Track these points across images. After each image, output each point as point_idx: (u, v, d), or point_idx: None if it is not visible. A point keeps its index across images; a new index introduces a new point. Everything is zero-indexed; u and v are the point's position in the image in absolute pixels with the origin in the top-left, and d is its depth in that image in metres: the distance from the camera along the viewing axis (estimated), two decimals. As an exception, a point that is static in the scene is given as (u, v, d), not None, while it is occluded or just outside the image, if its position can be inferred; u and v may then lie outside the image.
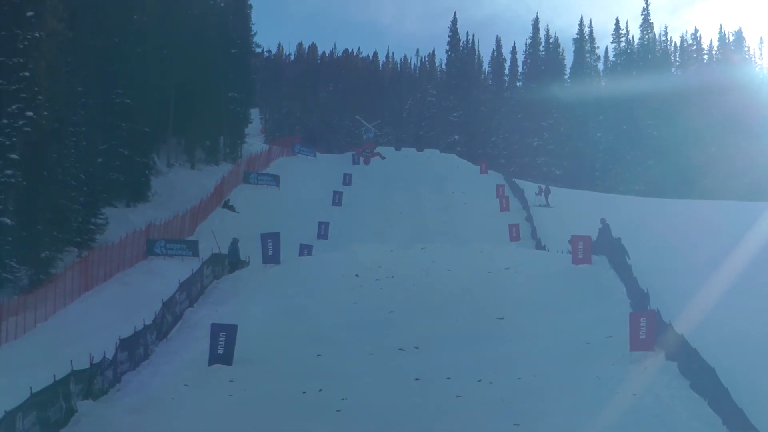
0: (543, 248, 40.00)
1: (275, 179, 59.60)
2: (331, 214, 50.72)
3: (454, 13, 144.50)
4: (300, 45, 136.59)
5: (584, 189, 71.67)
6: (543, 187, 58.20)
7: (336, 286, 28.87)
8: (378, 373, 20.80)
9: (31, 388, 16.09)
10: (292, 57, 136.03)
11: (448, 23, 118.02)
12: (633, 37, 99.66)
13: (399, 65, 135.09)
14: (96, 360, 19.58)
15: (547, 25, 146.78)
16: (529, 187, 59.78)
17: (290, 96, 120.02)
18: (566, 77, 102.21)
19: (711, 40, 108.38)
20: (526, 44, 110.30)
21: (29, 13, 35.60)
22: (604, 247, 30.80)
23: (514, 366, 20.73)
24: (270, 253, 32.25)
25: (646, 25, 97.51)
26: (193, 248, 38.31)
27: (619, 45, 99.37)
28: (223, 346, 21.50)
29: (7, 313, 27.93)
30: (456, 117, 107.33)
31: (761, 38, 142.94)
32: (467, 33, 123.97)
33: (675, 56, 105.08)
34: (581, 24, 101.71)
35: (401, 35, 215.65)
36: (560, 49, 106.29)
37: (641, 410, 17.42)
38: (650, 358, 20.36)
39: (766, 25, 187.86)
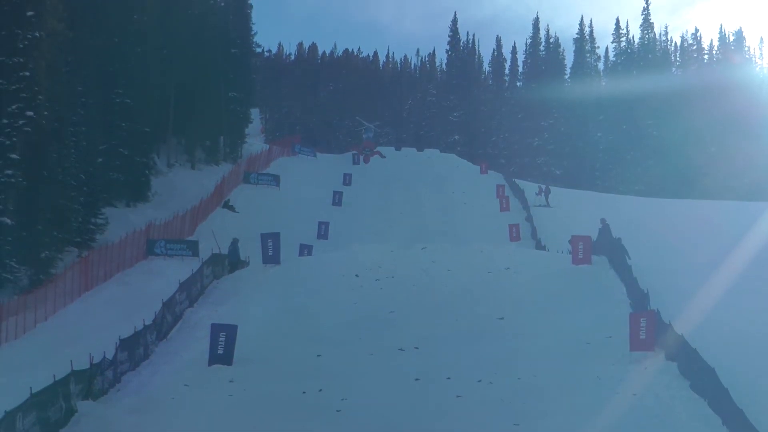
0: (543, 248, 40.00)
1: (275, 179, 59.61)
2: (331, 214, 50.72)
3: (455, 12, 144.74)
4: (300, 45, 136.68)
5: (584, 189, 71.67)
6: (543, 187, 58.19)
7: (336, 286, 28.87)
8: (378, 373, 20.80)
9: (31, 388, 16.09)
10: (293, 57, 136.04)
11: (449, 23, 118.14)
12: (633, 37, 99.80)
13: (399, 65, 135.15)
14: (96, 360, 19.58)
15: (548, 25, 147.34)
16: (529, 187, 59.78)
17: (290, 96, 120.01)
18: (566, 77, 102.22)
19: (711, 40, 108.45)
20: (526, 44, 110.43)
21: (29, 13, 35.59)
22: (604, 247, 30.79)
23: (514, 366, 20.73)
24: (270, 253, 32.25)
25: (647, 24, 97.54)
26: (193, 248, 38.30)
27: (619, 45, 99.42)
28: (223, 346, 21.51)
29: (7, 313, 27.93)
30: (456, 117, 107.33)
31: (761, 38, 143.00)
32: (467, 33, 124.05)
33: (675, 56, 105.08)
34: (581, 24, 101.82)
35: (401, 35, 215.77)
36: (560, 49, 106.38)
37: (641, 410, 17.43)
38: (650, 358, 20.36)
39: (766, 25, 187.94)
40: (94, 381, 19.18)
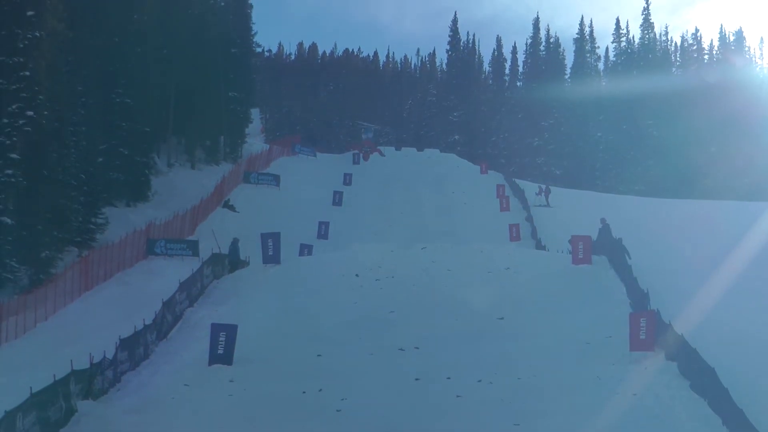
0: (543, 248, 40.00)
1: (275, 179, 59.61)
2: (331, 214, 50.73)
3: (455, 12, 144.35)
4: (300, 45, 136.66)
5: (584, 189, 71.66)
6: (543, 187, 58.19)
7: (336, 286, 28.87)
8: (378, 373, 20.80)
9: (31, 387, 16.09)
10: (293, 57, 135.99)
11: (449, 23, 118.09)
12: (633, 37, 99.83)
13: (399, 65, 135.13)
14: (96, 360, 19.58)
15: (548, 25, 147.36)
16: (529, 187, 59.78)
17: (290, 96, 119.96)
18: (567, 77, 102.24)
19: (711, 40, 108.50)
20: (526, 44, 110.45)
21: (29, 13, 35.61)
22: (605, 247, 30.79)
23: (514, 366, 20.73)
24: (270, 253, 32.25)
25: (647, 24, 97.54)
26: (193, 248, 38.30)
27: (619, 45, 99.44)
28: (223, 345, 21.50)
29: (7, 313, 27.94)
30: (456, 117, 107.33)
31: (761, 38, 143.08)
32: (468, 33, 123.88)
33: (675, 56, 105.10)
34: (582, 24, 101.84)
35: (402, 35, 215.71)
36: (561, 49, 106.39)
37: (641, 410, 17.42)
38: (650, 358, 20.36)
39: (766, 25, 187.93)
40: (94, 381, 19.19)
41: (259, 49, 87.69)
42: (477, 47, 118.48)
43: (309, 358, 22.07)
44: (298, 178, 61.70)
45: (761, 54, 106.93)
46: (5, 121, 34.50)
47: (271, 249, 32.27)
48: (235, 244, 34.08)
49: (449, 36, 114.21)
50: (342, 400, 18.88)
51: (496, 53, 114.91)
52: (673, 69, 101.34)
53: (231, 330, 21.70)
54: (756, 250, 32.94)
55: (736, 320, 23.02)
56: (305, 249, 39.88)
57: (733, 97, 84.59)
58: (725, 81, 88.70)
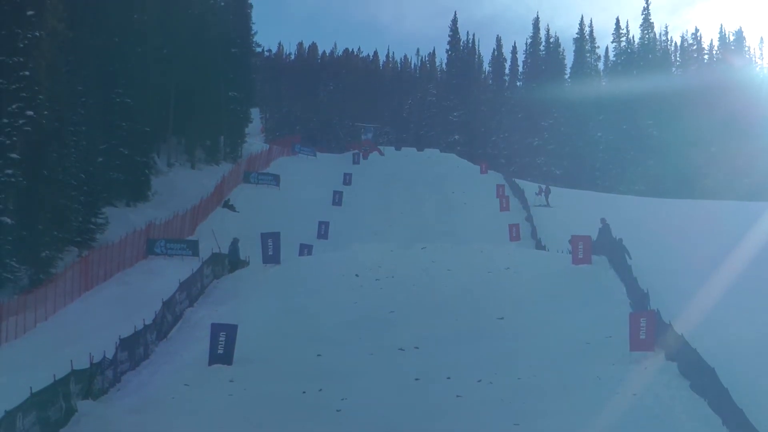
0: (543, 248, 39.99)
1: (275, 179, 59.61)
2: (331, 214, 50.72)
3: (455, 12, 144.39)
4: (300, 44, 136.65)
5: (584, 189, 71.63)
6: (543, 186, 58.18)
7: (336, 285, 28.87)
8: (378, 373, 20.80)
9: (31, 387, 16.09)
10: (293, 56, 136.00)
11: (449, 23, 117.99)
12: (633, 37, 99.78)
13: (399, 65, 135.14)
14: (96, 360, 19.58)
15: (548, 25, 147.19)
16: (529, 187, 59.78)
17: (290, 96, 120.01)
18: (566, 77, 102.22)
19: (711, 40, 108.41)
20: (526, 44, 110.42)
21: (29, 13, 35.64)
22: (604, 247, 30.79)
23: (514, 366, 20.73)
24: (270, 253, 32.24)
25: (647, 24, 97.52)
26: (193, 248, 38.31)
27: (619, 45, 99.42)
28: (223, 345, 21.50)
29: (7, 313, 27.96)
30: (456, 117, 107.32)
31: (761, 38, 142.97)
32: (467, 32, 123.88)
33: (675, 56, 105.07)
34: (582, 24, 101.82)
35: (401, 35, 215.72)
36: (560, 49, 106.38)
37: (641, 410, 17.42)
38: (650, 358, 20.36)
39: (766, 25, 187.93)
40: (94, 381, 19.19)
41: (259, 49, 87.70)
42: (477, 47, 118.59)
43: (309, 358, 22.06)
44: (298, 178, 61.70)
45: (761, 54, 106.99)
46: (5, 120, 34.51)
47: (271, 249, 32.26)
48: (235, 244, 34.08)
49: (449, 36, 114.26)
50: (342, 400, 18.88)
51: (495, 53, 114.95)
52: (673, 69, 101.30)
53: (231, 330, 21.70)
54: (756, 250, 32.91)
55: (736, 320, 23.00)
56: (305, 249, 39.88)
57: (733, 97, 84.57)
58: (725, 81, 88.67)
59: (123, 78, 49.70)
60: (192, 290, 29.11)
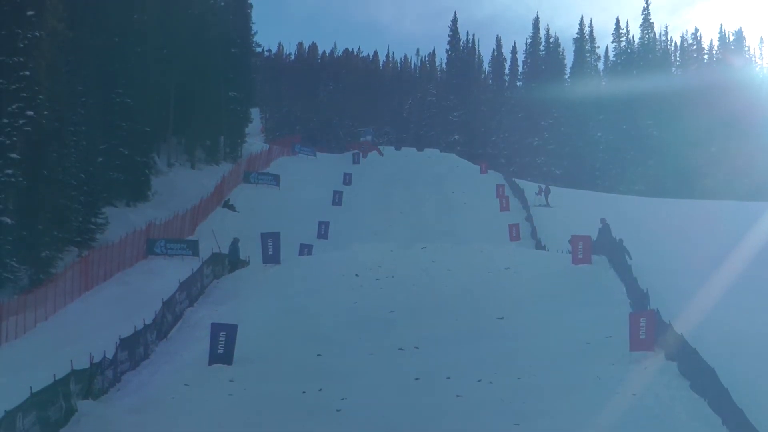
0: (543, 248, 39.99)
1: (275, 179, 59.62)
2: (331, 214, 50.73)
3: (455, 12, 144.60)
4: (300, 44, 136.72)
5: (584, 189, 71.65)
6: (543, 186, 58.19)
7: (336, 285, 28.86)
8: (378, 373, 20.79)
9: (31, 387, 16.09)
10: (293, 56, 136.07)
11: (449, 23, 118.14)
12: (633, 37, 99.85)
13: (399, 65, 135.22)
14: (96, 359, 19.58)
15: (548, 25, 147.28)
16: (529, 187, 59.79)
17: (290, 96, 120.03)
18: (566, 77, 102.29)
19: (711, 40, 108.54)
20: (526, 44, 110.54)
21: (29, 13, 35.65)
22: (604, 247, 30.79)
23: (514, 366, 20.72)
24: (270, 253, 32.24)
25: (647, 24, 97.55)
26: (193, 248, 38.32)
27: (619, 45, 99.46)
28: (223, 345, 21.49)
29: (7, 313, 27.97)
30: (456, 117, 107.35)
31: (761, 38, 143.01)
32: (467, 32, 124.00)
33: (675, 56, 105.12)
34: (581, 24, 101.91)
35: (401, 35, 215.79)
36: (560, 49, 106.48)
37: (641, 410, 17.42)
38: (650, 358, 20.35)
39: (766, 25, 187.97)
40: (94, 380, 19.18)
41: (259, 49, 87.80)
42: (477, 47, 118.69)
43: (309, 358, 22.05)
44: (298, 178, 61.71)
45: (761, 54, 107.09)
46: (5, 120, 34.52)
47: (271, 249, 32.26)
48: (235, 243, 34.08)
49: (449, 36, 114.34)
50: (342, 400, 18.88)
51: (495, 53, 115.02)
52: (673, 69, 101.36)
53: (231, 330, 21.69)
54: (756, 250, 32.94)
55: (736, 320, 23.00)
56: (305, 249, 39.88)
57: (733, 97, 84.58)
58: (725, 81, 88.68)
59: (123, 78, 49.72)
60: (192, 290, 29.11)
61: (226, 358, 21.44)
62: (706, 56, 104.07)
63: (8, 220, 33.67)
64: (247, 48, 75.67)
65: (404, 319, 25.39)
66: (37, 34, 35.87)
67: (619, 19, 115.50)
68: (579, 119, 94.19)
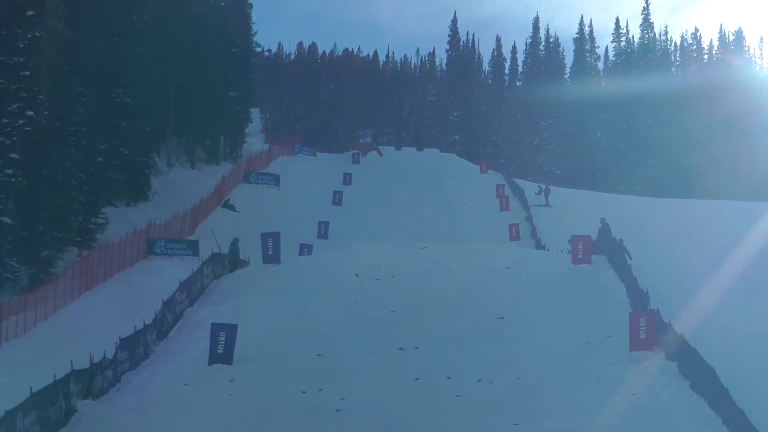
0: (543, 248, 39.98)
1: (275, 179, 59.61)
2: (331, 214, 50.74)
3: (455, 12, 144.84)
4: (300, 44, 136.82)
5: (584, 189, 71.63)
6: (543, 186, 58.18)
7: (336, 285, 28.86)
8: (378, 373, 20.80)
9: (31, 387, 16.10)
10: (293, 56, 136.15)
11: (449, 22, 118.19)
12: (633, 37, 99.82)
13: (399, 65, 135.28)
14: (96, 359, 19.59)
15: (548, 25, 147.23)
16: (529, 187, 59.78)
17: (290, 95, 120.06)
18: (566, 77, 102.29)
19: (711, 40, 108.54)
20: (526, 44, 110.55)
21: (29, 13, 35.64)
22: (604, 247, 30.79)
23: (514, 365, 20.73)
24: (270, 253, 32.24)
25: (647, 24, 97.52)
26: (193, 248, 38.31)
27: (619, 44, 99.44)
28: (223, 345, 21.49)
29: (7, 313, 27.96)
30: (456, 116, 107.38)
31: (761, 38, 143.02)
32: (467, 32, 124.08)
33: (675, 56, 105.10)
34: (581, 23, 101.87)
35: (401, 35, 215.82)
36: (560, 49, 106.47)
37: (641, 410, 17.43)
38: (650, 358, 20.36)
39: (766, 25, 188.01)
40: (94, 380, 19.19)
41: (259, 49, 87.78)
42: (477, 47, 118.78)
43: (309, 358, 22.06)
44: (298, 178, 61.70)
45: (761, 54, 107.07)
46: (5, 120, 34.52)
47: (271, 249, 32.26)
48: (235, 243, 34.08)
49: (449, 36, 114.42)
50: (342, 399, 18.89)
51: (495, 53, 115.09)
52: (673, 69, 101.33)
53: (231, 330, 21.70)
54: (756, 250, 32.91)
55: (736, 320, 23.01)
56: (305, 249, 39.89)
57: (733, 97, 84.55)
58: (725, 81, 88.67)
59: (123, 78, 49.72)
60: (192, 290, 29.12)
61: (226, 358, 21.44)
62: (706, 56, 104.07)
63: (8, 220, 33.67)
64: (247, 48, 75.67)
65: (404, 319, 25.40)
66: (37, 33, 35.86)
67: (619, 19, 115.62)
68: (579, 119, 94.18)
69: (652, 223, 46.72)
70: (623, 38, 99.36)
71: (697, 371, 18.09)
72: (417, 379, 20.31)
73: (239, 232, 40.14)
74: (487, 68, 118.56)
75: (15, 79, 34.98)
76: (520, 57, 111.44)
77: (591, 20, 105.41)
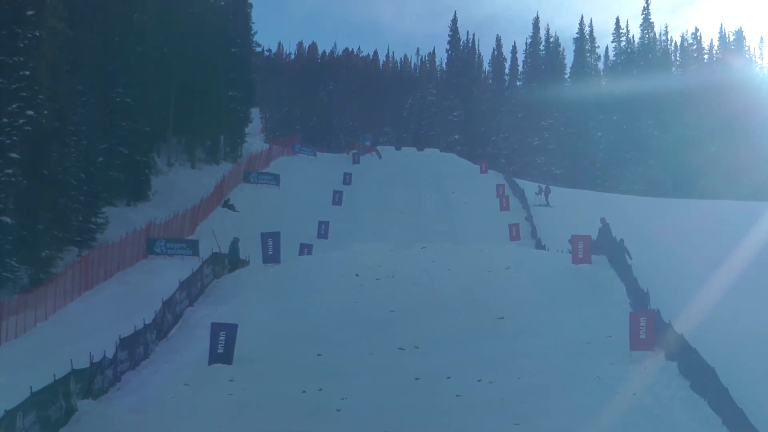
0: (543, 248, 39.99)
1: (275, 178, 59.61)
2: (331, 214, 50.74)
3: (455, 12, 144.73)
4: (300, 44, 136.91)
5: (584, 188, 71.65)
6: (543, 186, 58.19)
7: (336, 285, 28.85)
8: (378, 372, 20.80)
9: (31, 387, 16.10)
10: (293, 56, 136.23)
11: (449, 22, 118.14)
12: (633, 37, 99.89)
13: (399, 64, 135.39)
14: (96, 359, 19.59)
15: (548, 25, 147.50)
16: (529, 187, 59.79)
17: (290, 95, 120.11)
18: (566, 77, 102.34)
19: (711, 40, 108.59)
20: (526, 43, 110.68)
21: (29, 12, 35.66)
22: (604, 247, 30.79)
23: (514, 365, 20.72)
24: (270, 253, 32.22)
25: (647, 24, 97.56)
26: (193, 247, 38.31)
27: (619, 44, 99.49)
28: (223, 345, 21.49)
29: (7, 312, 27.96)
30: (456, 116, 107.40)
31: (761, 38, 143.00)
32: (467, 32, 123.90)
33: (675, 56, 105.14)
34: (582, 23, 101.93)
35: (401, 34, 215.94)
36: (560, 49, 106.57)
37: (641, 410, 17.43)
38: (650, 358, 20.36)
39: (766, 25, 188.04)
40: (94, 380, 19.19)
41: (259, 49, 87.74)
42: (477, 47, 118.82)
43: (309, 357, 22.06)
44: (298, 178, 61.70)
45: (761, 54, 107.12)
46: (5, 120, 34.53)
47: (271, 248, 32.24)
48: (235, 243, 34.07)
49: (449, 35, 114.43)
50: (342, 399, 18.89)
51: (495, 53, 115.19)
52: (673, 69, 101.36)
53: (231, 329, 21.70)
54: (756, 250, 32.93)
55: (736, 320, 23.03)
56: (305, 248, 39.89)
57: (733, 97, 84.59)
58: (725, 81, 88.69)
59: (123, 77, 49.74)
60: (192, 290, 29.11)
61: (226, 357, 21.44)
62: (706, 56, 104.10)
63: (8, 220, 33.67)
64: (247, 48, 75.67)
65: (404, 318, 25.39)
66: (37, 33, 35.87)
67: (619, 18, 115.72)
68: (579, 119, 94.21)
69: (652, 223, 46.73)
70: (623, 38, 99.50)
71: (697, 371, 18.09)
72: (417, 379, 20.30)
73: (239, 231, 40.12)
74: (488, 68, 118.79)
75: (15, 78, 34.99)
76: (521, 57, 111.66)
77: (591, 20, 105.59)
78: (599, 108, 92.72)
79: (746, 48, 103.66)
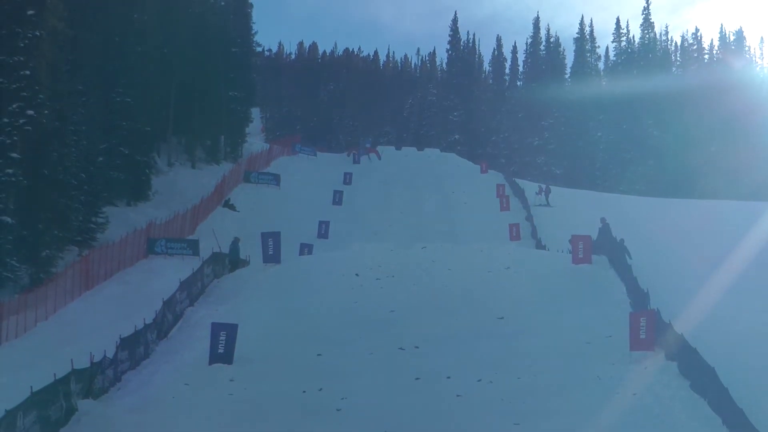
0: (543, 248, 39.99)
1: (276, 178, 59.63)
2: (332, 214, 50.75)
3: (455, 12, 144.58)
4: (300, 44, 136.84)
5: (585, 188, 71.67)
6: (543, 186, 58.19)
7: (336, 285, 28.86)
8: (378, 372, 20.81)
9: (31, 386, 16.11)
10: (293, 56, 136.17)
11: (449, 22, 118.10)
12: (633, 37, 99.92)
13: (399, 64, 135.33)
14: (96, 359, 19.59)
15: (548, 25, 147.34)
16: (530, 187, 59.78)
17: (290, 95, 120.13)
18: (567, 77, 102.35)
19: (711, 40, 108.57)
20: (526, 43, 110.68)
21: (30, 12, 35.66)
22: (604, 247, 30.80)
23: (514, 365, 20.73)
24: (270, 252, 32.23)
25: (647, 24, 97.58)
26: (193, 247, 38.32)
27: (619, 44, 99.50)
28: (223, 345, 21.50)
29: (7, 312, 27.96)
30: (456, 116, 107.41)
31: (762, 38, 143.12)
32: (468, 32, 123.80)
33: (675, 56, 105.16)
34: (582, 23, 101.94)
35: (402, 34, 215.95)
36: (561, 49, 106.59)
37: (641, 410, 17.44)
38: (650, 358, 20.37)
39: (766, 25, 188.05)
40: (94, 380, 19.20)
41: (259, 49, 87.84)
42: (477, 47, 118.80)
43: (309, 357, 22.07)
44: (299, 178, 61.72)
45: (761, 54, 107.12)
46: (6, 120, 34.53)
47: (272, 248, 32.25)
48: (235, 243, 34.09)
49: (449, 35, 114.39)
50: (342, 399, 18.90)
51: (496, 53, 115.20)
52: (673, 69, 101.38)
53: (231, 329, 21.71)
54: (756, 250, 32.94)
55: (736, 320, 23.04)
56: (305, 248, 39.90)
57: (733, 97, 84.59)
58: (725, 81, 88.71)
59: (123, 77, 49.75)
60: (192, 289, 29.11)
61: (227, 357, 21.45)
62: (706, 56, 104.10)
63: (9, 220, 33.68)
64: (247, 48, 75.70)
65: (404, 318, 25.40)
66: (38, 33, 35.88)
67: (620, 18, 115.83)
68: (579, 119, 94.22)
69: (652, 223, 46.73)
70: (624, 38, 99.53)
71: (697, 371, 18.10)
72: (417, 379, 20.31)
73: (239, 231, 40.16)
74: (488, 68, 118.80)
75: (15, 78, 35.00)
76: (521, 57, 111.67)
77: (591, 20, 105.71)
78: (599, 108, 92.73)
79: (746, 48, 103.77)
